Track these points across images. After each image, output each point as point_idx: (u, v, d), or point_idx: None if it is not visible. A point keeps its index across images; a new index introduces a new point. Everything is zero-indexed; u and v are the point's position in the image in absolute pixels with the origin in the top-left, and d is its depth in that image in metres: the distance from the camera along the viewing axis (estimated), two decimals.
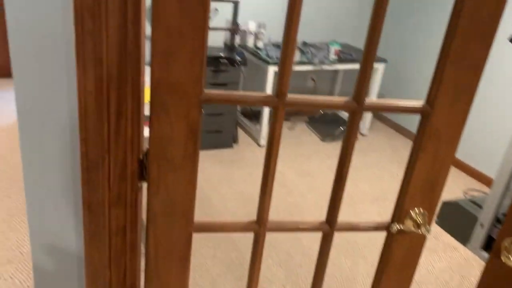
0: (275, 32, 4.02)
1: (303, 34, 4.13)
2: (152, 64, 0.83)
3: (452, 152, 1.04)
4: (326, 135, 4.07)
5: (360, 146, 3.98)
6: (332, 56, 3.70)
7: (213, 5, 3.56)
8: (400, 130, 4.37)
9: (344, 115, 4.45)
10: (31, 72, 0.81)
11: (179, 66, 0.83)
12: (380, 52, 4.49)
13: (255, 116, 4.20)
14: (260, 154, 3.60)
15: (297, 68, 3.53)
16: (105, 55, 0.76)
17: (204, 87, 0.88)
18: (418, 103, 0.98)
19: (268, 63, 3.41)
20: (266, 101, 0.92)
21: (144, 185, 0.96)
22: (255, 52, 3.61)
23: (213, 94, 0.89)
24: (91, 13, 0.73)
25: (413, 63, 4.17)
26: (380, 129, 4.44)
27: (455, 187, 3.44)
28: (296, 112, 4.50)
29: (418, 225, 1.07)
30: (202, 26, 0.81)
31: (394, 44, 4.37)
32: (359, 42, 4.41)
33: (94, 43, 0.75)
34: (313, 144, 3.92)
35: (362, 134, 4.24)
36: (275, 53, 3.57)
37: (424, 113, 0.98)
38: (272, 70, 3.42)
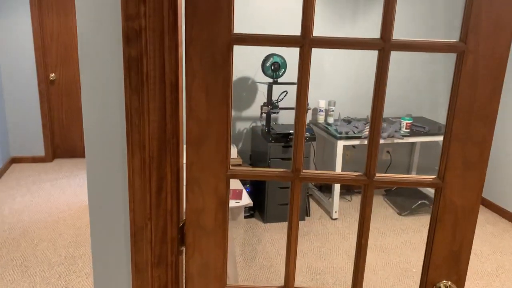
0: (345, 109, 4.17)
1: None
2: (186, 148, 1.03)
3: (473, 223, 1.07)
4: (403, 208, 3.96)
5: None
6: (404, 130, 3.72)
7: (283, 88, 3.85)
8: (487, 204, 4.10)
9: (425, 189, 4.31)
10: (98, 155, 1.05)
11: (208, 149, 1.02)
12: None
13: (327, 189, 4.26)
14: (331, 227, 3.61)
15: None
16: (148, 142, 0.97)
17: (229, 165, 1.05)
18: (429, 177, 1.05)
19: (336, 138, 3.54)
20: (283, 176, 1.06)
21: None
22: (325, 128, 3.77)
23: (238, 171, 1.05)
24: (137, 111, 0.95)
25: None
26: None
27: None
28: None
29: None
30: (225, 117, 1.00)
31: None
32: (434, 115, 4.37)
33: (139, 134, 0.97)
34: (389, 218, 3.83)
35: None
36: (345, 129, 3.70)
37: (436, 186, 1.04)
38: (341, 144, 3.53)
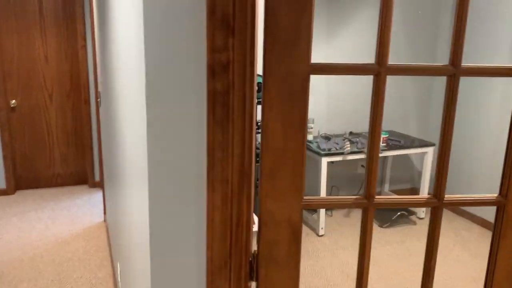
0: (322, 125, 4.26)
1: (350, 125, 4.34)
2: (261, 178, 1.00)
3: None
4: (383, 221, 4.07)
5: (419, 230, 3.94)
6: (381, 144, 3.85)
7: None
8: (459, 212, 4.31)
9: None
10: (165, 192, 0.99)
11: (283, 179, 1.00)
12: (428, 136, 4.61)
13: None
14: (319, 244, 3.64)
15: (349, 157, 3.69)
16: (231, 177, 0.94)
17: (303, 195, 1.03)
18: (492, 196, 1.09)
19: (320, 155, 3.59)
20: (357, 203, 1.06)
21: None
22: (307, 146, 3.82)
23: (312, 200, 1.04)
24: (221, 145, 0.92)
25: (460, 145, 4.23)
26: None
27: None
28: None
29: None
30: (301, 146, 0.99)
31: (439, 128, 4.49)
32: (405, 128, 4.57)
33: (222, 168, 0.93)
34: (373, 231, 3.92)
35: (419, 218, 4.21)
36: (326, 145, 3.77)
37: (500, 204, 1.08)
38: (325, 161, 3.59)
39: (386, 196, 1.07)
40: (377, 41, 0.96)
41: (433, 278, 1.14)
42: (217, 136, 0.92)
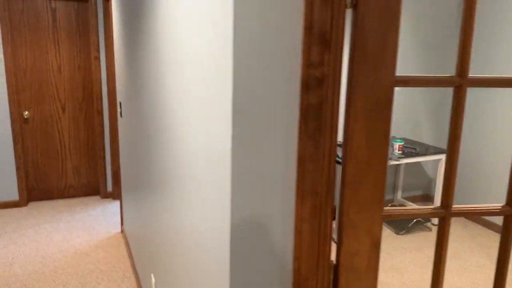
0: None
1: None
2: (343, 190, 1.02)
3: None
4: (400, 228, 4.09)
5: (435, 237, 3.96)
6: (397, 152, 3.88)
7: None
8: (474, 218, 4.35)
9: (416, 207, 4.49)
10: (247, 203, 1.00)
11: (366, 190, 1.02)
12: (441, 143, 4.66)
13: None
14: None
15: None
16: (320, 189, 0.95)
17: (383, 205, 1.05)
18: (498, 206, 1.11)
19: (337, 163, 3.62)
20: (435, 213, 1.08)
21: None
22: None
23: (392, 211, 1.06)
24: (311, 158, 0.94)
25: (473, 151, 4.28)
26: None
27: None
28: None
29: None
30: (384, 157, 1.01)
31: None
32: (417, 136, 4.61)
33: (313, 180, 0.95)
34: (389, 238, 3.94)
35: (434, 224, 4.23)
36: None
37: (506, 213, 1.10)
38: None
39: (464, 206, 1.10)
40: (458, 53, 0.98)
41: (442, 286, 1.16)
42: (308, 149, 0.93)
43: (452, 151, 1.04)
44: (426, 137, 4.65)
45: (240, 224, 1.01)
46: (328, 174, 0.96)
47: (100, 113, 4.63)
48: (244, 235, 1.01)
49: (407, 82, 0.99)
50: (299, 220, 0.97)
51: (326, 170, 0.96)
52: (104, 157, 4.73)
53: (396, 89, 4.42)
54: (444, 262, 1.11)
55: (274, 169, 0.98)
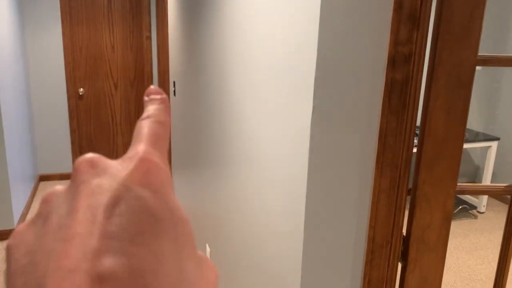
0: None
1: None
2: (419, 165, 1.06)
3: None
4: None
5: (481, 224, 3.91)
6: None
7: None
8: None
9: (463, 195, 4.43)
10: (325, 174, 1.06)
11: (442, 166, 1.06)
12: (492, 130, 4.55)
13: None
14: None
15: None
16: (400, 162, 1.00)
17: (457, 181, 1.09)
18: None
19: None
20: (507, 190, 1.11)
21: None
22: None
23: (466, 186, 1.10)
24: (393, 132, 0.98)
25: None
26: (496, 205, 4.35)
27: None
28: None
29: None
30: (461, 136, 1.04)
31: (508, 122, 4.42)
32: (468, 122, 4.51)
33: (393, 154, 1.00)
34: None
35: (479, 212, 4.17)
36: None
37: None
38: None
39: None
40: None
41: (508, 268, 1.18)
42: (390, 124, 0.98)
43: None
44: (476, 124, 4.55)
45: (315, 195, 1.07)
46: (407, 148, 1.01)
47: None
48: (319, 206, 1.07)
49: (489, 61, 1.01)
50: (377, 191, 1.02)
51: (406, 144, 1.00)
52: None
53: None
54: None
55: (354, 142, 1.03)
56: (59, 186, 0.21)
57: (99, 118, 4.77)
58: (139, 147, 0.21)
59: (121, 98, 4.77)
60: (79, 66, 4.57)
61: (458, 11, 0.95)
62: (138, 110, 4.84)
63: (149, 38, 4.62)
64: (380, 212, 1.04)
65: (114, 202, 0.19)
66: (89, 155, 0.21)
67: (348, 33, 0.97)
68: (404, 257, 1.13)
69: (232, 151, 1.87)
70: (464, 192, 1.09)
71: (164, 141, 0.23)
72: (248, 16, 1.57)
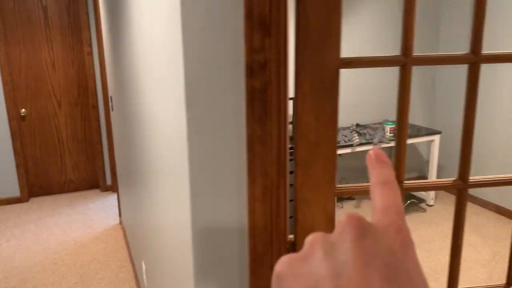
0: None
1: (356, 117, 4.40)
2: (296, 169, 1.06)
3: None
4: None
5: (429, 217, 4.00)
6: (388, 134, 3.91)
7: None
8: (471, 199, 4.37)
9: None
10: (207, 186, 1.05)
11: (317, 169, 1.06)
12: (435, 124, 4.67)
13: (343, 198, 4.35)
14: None
15: (358, 149, 3.75)
16: (270, 169, 1.00)
17: (336, 183, 1.09)
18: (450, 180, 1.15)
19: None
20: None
21: None
22: None
23: (344, 188, 1.10)
24: (260, 140, 0.98)
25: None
26: (446, 197, 4.46)
27: None
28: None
29: None
30: (333, 138, 1.05)
31: (446, 116, 4.55)
32: (411, 118, 4.62)
33: (262, 161, 0.99)
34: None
35: (428, 205, 4.27)
36: None
37: (459, 187, 1.14)
38: None
39: (416, 181, 1.14)
40: (402, 33, 1.02)
41: (460, 257, 1.20)
42: (256, 131, 0.98)
43: (467, 126, 1.08)
44: (418, 119, 4.67)
45: (199, 208, 1.06)
46: (277, 155, 1.01)
47: (96, 107, 4.69)
48: (204, 217, 1.06)
49: (351, 63, 1.02)
50: (252, 200, 1.02)
51: (275, 151, 1.00)
52: (102, 151, 4.81)
53: (390, 71, 4.44)
54: (462, 232, 1.16)
55: (227, 152, 1.02)
56: (323, 233, 0.26)
57: (45, 138, 4.63)
58: (394, 217, 0.26)
59: (66, 116, 4.65)
60: (19, 86, 4.43)
61: (313, 17, 0.96)
62: (84, 127, 4.74)
63: (90, 53, 4.53)
64: (258, 221, 1.03)
65: (389, 266, 0.22)
66: (356, 214, 0.25)
67: (209, 44, 0.96)
68: None
69: (146, 166, 1.84)
70: (343, 193, 1.10)
71: (402, 206, 0.27)
72: (141, 33, 1.55)
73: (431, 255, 3.34)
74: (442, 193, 4.57)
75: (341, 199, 4.46)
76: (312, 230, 1.10)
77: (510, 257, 1.22)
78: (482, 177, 1.15)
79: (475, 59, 1.04)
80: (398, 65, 1.04)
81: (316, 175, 1.06)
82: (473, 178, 1.14)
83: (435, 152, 4.11)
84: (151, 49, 1.39)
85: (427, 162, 4.88)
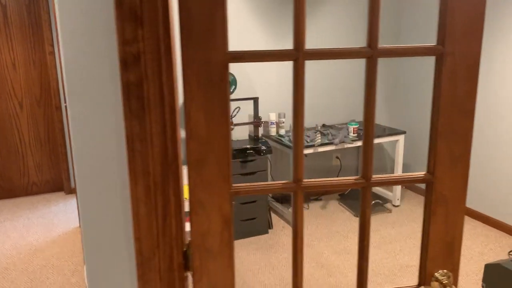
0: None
1: (323, 117, 4.37)
2: (188, 168, 1.01)
3: (462, 213, 1.14)
4: (358, 210, 4.11)
5: (394, 218, 3.98)
6: (352, 135, 3.88)
7: (235, 104, 3.89)
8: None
9: (375, 188, 4.51)
10: (92, 187, 1.00)
11: (210, 168, 1.01)
12: (400, 124, 4.67)
13: (286, 200, 4.32)
14: None
15: (320, 149, 3.71)
16: (151, 168, 0.95)
17: (232, 182, 1.04)
18: (420, 174, 1.11)
19: (291, 148, 3.61)
20: (286, 187, 1.08)
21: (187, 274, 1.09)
22: (278, 140, 3.84)
23: (241, 187, 1.05)
24: (139, 137, 0.93)
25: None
26: (412, 198, 4.45)
27: (499, 249, 3.36)
28: (326, 191, 4.60)
29: (444, 286, 1.14)
30: (225, 135, 1.00)
31: (411, 116, 4.54)
32: (377, 119, 4.61)
33: (142, 160, 0.94)
34: (347, 221, 3.96)
35: (394, 206, 4.25)
36: None
37: (427, 181, 1.11)
38: None
39: (315, 180, 1.10)
40: (368, 24, 0.98)
41: (367, 257, 1.16)
42: (134, 128, 0.92)
43: (367, 120, 1.04)
44: (383, 119, 4.66)
45: (87, 210, 1.00)
46: (160, 153, 0.95)
47: (59, 108, 4.59)
48: (92, 219, 1.00)
49: (241, 57, 0.98)
50: (135, 201, 0.96)
51: (157, 149, 0.95)
52: (65, 153, 4.71)
53: (354, 70, 4.42)
54: (368, 231, 1.11)
55: (109, 150, 0.97)
56: None
57: (6, 140, 4.52)
58: None
59: (28, 117, 4.54)
60: None
61: (196, 11, 0.91)
62: (47, 128, 4.63)
63: (52, 53, 4.43)
64: (142, 223, 0.98)
65: None
66: None
67: (84, 34, 0.91)
68: (190, 267, 1.07)
69: None
70: (239, 193, 1.05)
71: None
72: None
73: (391, 256, 3.31)
74: (410, 193, 4.57)
75: (307, 199, 4.43)
76: (208, 233, 1.05)
77: (421, 258, 1.18)
78: (384, 175, 1.11)
79: (371, 53, 1.00)
80: (291, 60, 0.99)
81: (209, 174, 1.01)
82: (375, 176, 1.10)
83: (399, 151, 4.10)
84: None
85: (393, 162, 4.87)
